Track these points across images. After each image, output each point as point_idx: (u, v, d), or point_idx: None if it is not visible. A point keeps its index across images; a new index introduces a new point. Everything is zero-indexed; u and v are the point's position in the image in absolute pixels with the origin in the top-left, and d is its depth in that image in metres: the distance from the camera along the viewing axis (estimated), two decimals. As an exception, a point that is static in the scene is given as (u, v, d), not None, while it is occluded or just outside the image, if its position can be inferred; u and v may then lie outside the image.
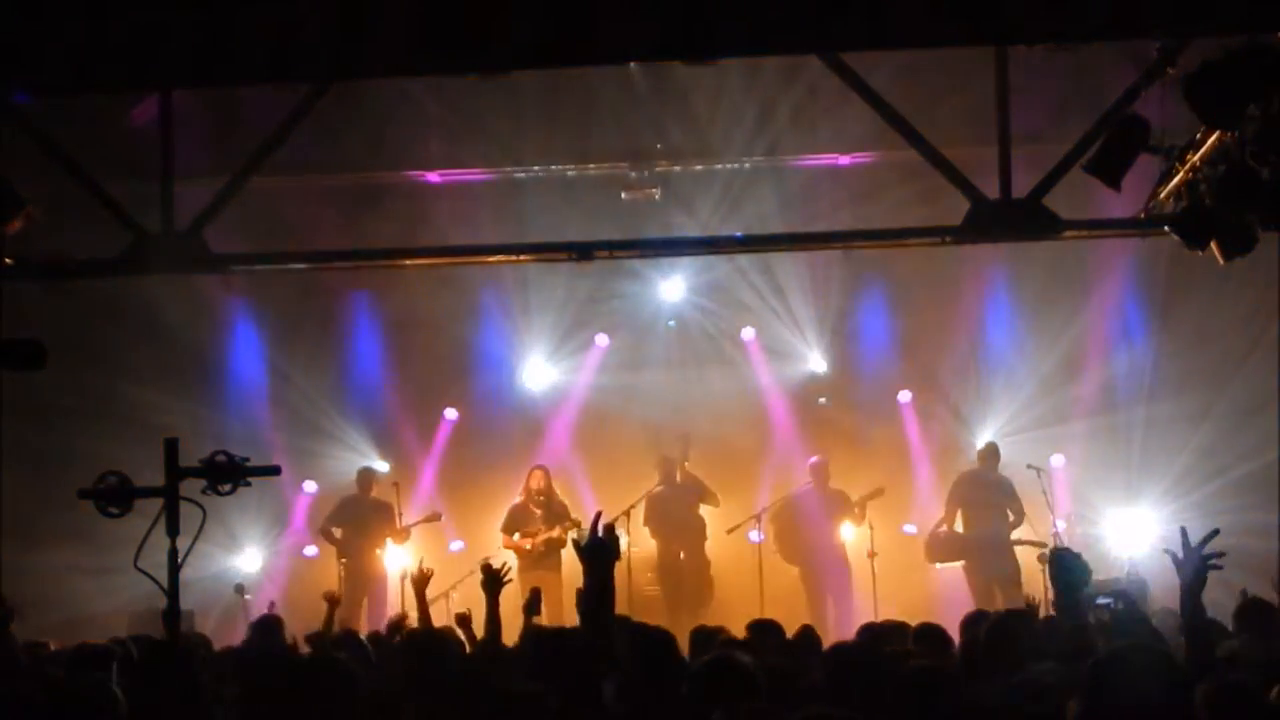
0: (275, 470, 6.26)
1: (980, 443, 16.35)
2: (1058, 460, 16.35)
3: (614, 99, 13.72)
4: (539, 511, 15.87)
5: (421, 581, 9.86)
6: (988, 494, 15.85)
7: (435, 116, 13.92)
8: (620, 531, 15.62)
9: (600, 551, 6.63)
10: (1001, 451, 16.16)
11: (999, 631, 7.40)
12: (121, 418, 14.81)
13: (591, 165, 15.25)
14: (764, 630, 8.93)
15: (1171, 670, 5.14)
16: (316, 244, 14.35)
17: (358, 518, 16.15)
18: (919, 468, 17.01)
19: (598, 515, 6.71)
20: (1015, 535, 15.58)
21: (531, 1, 9.14)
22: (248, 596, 14.97)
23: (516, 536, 15.81)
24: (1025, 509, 15.57)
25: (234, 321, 17.11)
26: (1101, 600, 9.47)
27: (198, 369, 16.59)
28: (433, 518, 16.23)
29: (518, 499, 16.09)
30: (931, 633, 8.47)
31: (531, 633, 8.46)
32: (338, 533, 16.16)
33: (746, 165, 15.22)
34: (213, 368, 16.90)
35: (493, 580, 8.61)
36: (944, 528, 15.98)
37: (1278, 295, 13.50)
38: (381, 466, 16.90)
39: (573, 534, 15.30)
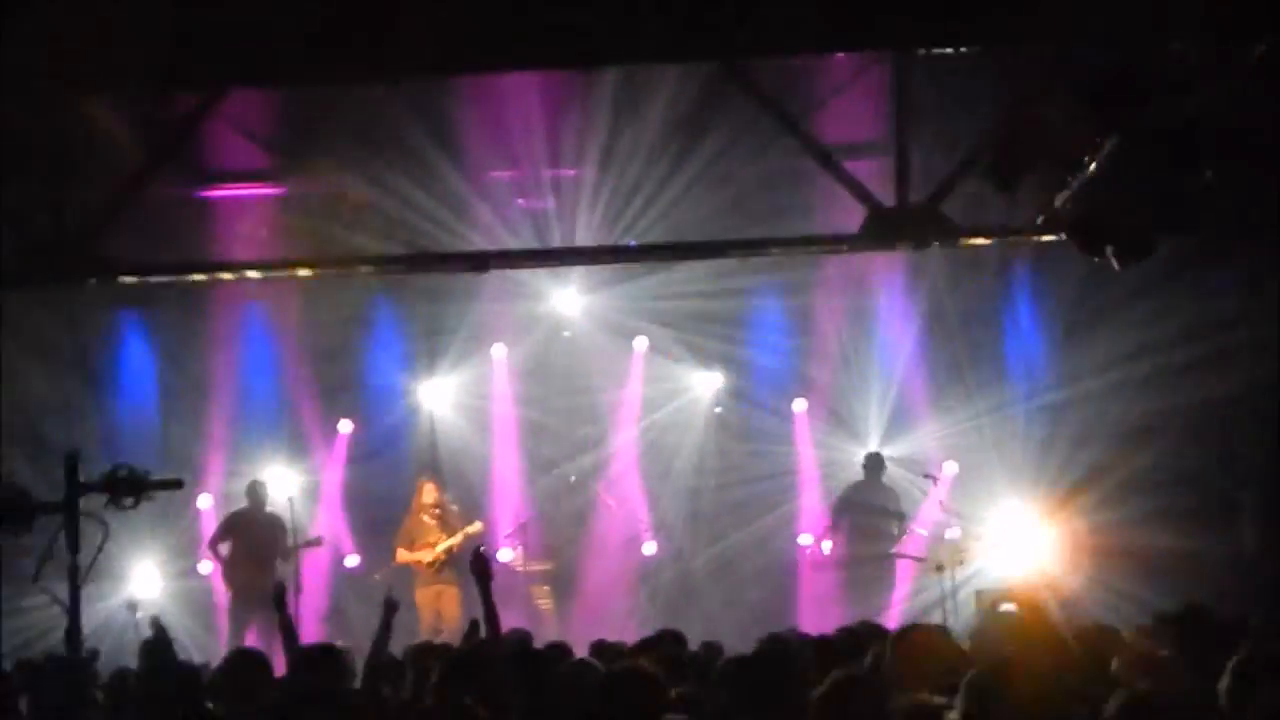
0: (178, 484, 6.18)
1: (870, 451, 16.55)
2: (951, 468, 16.47)
3: (511, 107, 13.60)
4: (433, 523, 15.67)
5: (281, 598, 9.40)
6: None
7: (327, 125, 13.68)
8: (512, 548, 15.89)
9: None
10: (893, 460, 16.36)
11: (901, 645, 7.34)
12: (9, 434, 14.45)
13: (488, 174, 15.07)
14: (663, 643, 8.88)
15: (1055, 679, 5.11)
16: (210, 255, 14.13)
17: (248, 534, 15.61)
18: (812, 478, 17.12)
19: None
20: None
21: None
22: (140, 615, 14.61)
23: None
24: (919, 516, 15.89)
25: (124, 333, 16.84)
26: (1005, 607, 9.57)
27: (88, 382, 16.28)
28: (314, 543, 15.77)
29: (411, 513, 15.85)
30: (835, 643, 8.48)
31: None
32: (224, 549, 15.67)
33: (645, 173, 15.13)
34: (103, 381, 16.59)
35: (483, 572, 7.72)
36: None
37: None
38: (279, 479, 16.55)
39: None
